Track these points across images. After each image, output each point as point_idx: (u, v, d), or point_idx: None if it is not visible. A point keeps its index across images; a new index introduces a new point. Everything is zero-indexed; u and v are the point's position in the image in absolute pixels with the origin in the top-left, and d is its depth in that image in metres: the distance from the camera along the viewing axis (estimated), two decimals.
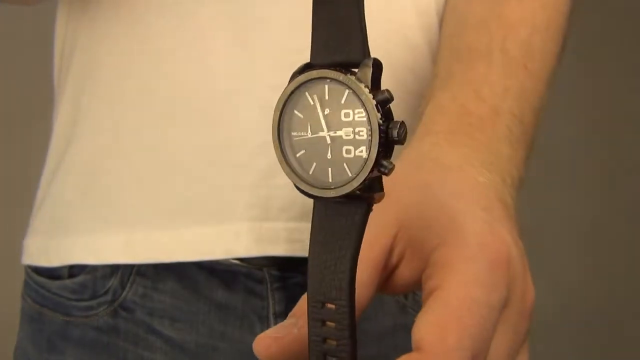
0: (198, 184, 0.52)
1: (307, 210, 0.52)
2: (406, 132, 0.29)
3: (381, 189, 0.29)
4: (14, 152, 1.63)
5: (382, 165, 0.28)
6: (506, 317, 0.33)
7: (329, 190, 0.29)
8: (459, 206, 0.35)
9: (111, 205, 0.54)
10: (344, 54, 0.29)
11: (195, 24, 0.52)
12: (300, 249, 0.52)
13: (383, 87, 0.60)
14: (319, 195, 0.29)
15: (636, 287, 1.96)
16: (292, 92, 0.29)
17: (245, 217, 0.51)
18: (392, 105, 0.54)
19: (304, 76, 0.29)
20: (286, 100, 0.29)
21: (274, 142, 0.30)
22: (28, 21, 1.32)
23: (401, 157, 0.40)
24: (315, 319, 0.30)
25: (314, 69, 0.28)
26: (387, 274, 0.36)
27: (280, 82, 0.28)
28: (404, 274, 0.35)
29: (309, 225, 0.52)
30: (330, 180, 0.29)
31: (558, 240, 1.95)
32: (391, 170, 0.28)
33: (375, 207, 0.32)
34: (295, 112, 0.29)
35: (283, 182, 0.51)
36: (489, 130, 0.42)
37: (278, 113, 0.29)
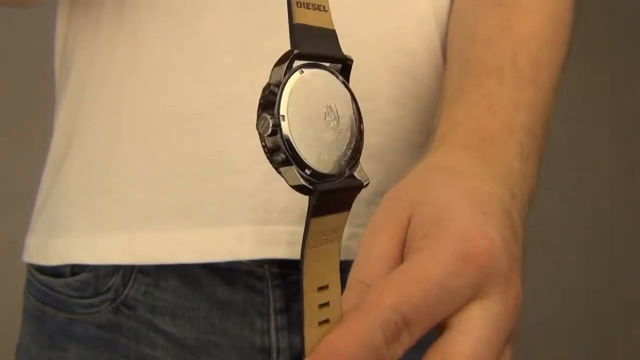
0: (199, 186, 0.53)
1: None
2: (265, 126, 0.28)
3: (301, 189, 0.29)
4: (15, 151, 1.63)
5: (272, 158, 0.28)
6: (488, 307, 0.33)
7: None
8: (456, 206, 0.36)
9: (111, 206, 0.54)
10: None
11: (198, 31, 0.53)
12: (300, 251, 0.52)
13: (383, 92, 0.60)
14: None
15: (636, 287, 1.96)
16: None
17: (248, 220, 0.52)
18: (391, 109, 0.54)
19: None
20: None
21: None
22: (29, 21, 1.33)
23: (415, 166, 0.41)
24: None
25: None
26: None
27: None
28: None
29: None
30: None
31: (558, 241, 1.95)
32: (278, 163, 0.28)
33: (388, 209, 0.36)
34: None
35: (283, 187, 0.52)
36: (501, 145, 0.43)
37: None
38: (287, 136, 0.28)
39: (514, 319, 0.35)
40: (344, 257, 0.54)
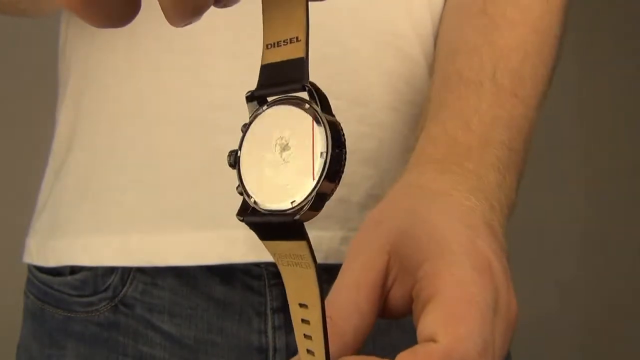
0: (194, 190, 0.53)
1: None
2: (231, 158, 0.32)
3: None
4: (17, 153, 1.63)
5: (237, 189, 0.32)
6: (495, 324, 0.34)
7: None
8: (443, 223, 0.36)
9: (108, 208, 0.55)
10: None
11: (192, 34, 0.53)
12: None
13: (378, 96, 0.60)
14: None
15: (636, 287, 1.96)
16: None
17: (241, 224, 0.52)
18: (386, 114, 0.54)
19: None
20: None
21: None
22: (31, 22, 1.33)
23: (392, 187, 0.41)
24: None
25: None
26: (384, 297, 0.37)
27: None
28: (396, 294, 0.37)
29: None
30: None
31: (558, 241, 1.95)
32: (239, 193, 0.32)
33: (368, 233, 0.37)
34: None
35: None
36: (477, 160, 0.43)
37: None
38: (239, 171, 0.32)
39: (511, 336, 0.36)
40: (335, 261, 0.54)
